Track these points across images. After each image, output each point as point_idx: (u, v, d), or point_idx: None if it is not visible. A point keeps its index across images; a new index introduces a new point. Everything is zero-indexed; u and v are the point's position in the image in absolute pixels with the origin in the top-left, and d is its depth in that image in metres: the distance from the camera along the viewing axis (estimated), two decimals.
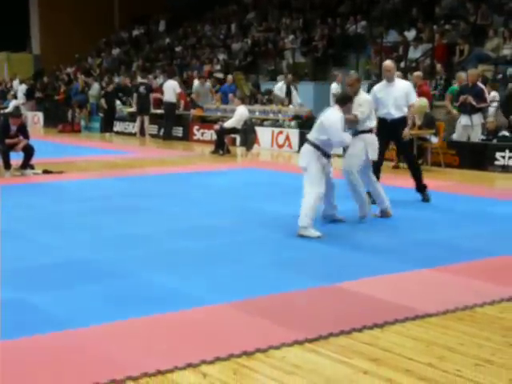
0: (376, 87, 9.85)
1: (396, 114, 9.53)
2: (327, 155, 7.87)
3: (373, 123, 8.60)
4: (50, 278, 5.99)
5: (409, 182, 10.21)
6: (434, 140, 13.91)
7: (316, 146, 7.79)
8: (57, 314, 5.02)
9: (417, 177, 10.00)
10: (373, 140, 8.51)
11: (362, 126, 8.43)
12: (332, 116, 7.85)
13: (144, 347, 4.42)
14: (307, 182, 7.78)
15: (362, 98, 8.45)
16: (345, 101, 8.01)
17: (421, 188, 10.00)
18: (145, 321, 4.88)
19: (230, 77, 21.45)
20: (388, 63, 9.91)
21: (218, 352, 4.29)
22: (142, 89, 22.08)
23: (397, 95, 9.51)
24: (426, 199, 9.92)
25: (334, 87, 17.81)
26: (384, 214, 8.68)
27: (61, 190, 11.06)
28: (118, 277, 6.06)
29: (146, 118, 21.98)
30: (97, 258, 6.71)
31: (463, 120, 14.32)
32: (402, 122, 9.59)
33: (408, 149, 10.33)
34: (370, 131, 8.52)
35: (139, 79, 24.60)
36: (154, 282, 5.87)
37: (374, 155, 8.53)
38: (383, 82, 9.82)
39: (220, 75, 23.45)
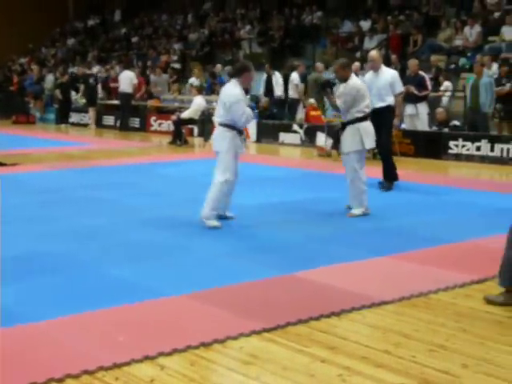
0: (366, 76, 9.90)
1: (378, 103, 9.47)
2: (240, 132, 7.59)
3: (361, 112, 8.14)
4: (2, 271, 5.90)
5: (366, 171, 10.28)
6: None
7: (228, 126, 7.50)
8: (8, 308, 4.93)
9: (389, 169, 9.96)
10: (366, 127, 8.15)
11: (350, 115, 8.13)
12: (231, 91, 7.45)
13: (100, 340, 4.39)
14: (217, 168, 7.55)
15: (349, 85, 8.07)
16: (238, 72, 7.54)
17: (390, 177, 9.98)
18: (101, 313, 4.85)
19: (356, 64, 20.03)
20: (372, 53, 9.93)
21: (176, 343, 4.28)
22: (91, 80, 22.00)
23: (380, 85, 9.49)
24: (386, 187, 9.91)
25: (294, 77, 17.87)
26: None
27: (15, 182, 10.90)
28: (74, 269, 6.00)
29: (92, 110, 22.09)
30: (52, 250, 6.63)
31: (408, 109, 14.53)
32: (384, 111, 9.53)
33: (388, 140, 10.13)
34: (363, 118, 8.14)
35: (92, 70, 24.40)
36: (110, 275, 5.83)
37: (370, 143, 8.25)
38: (370, 72, 9.86)
39: (177, 65, 23.34)
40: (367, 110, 8.20)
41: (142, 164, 13.25)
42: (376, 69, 9.68)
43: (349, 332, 4.55)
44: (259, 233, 7.44)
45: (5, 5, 31.33)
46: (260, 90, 18.69)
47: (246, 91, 7.80)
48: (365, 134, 8.10)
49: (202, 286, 5.46)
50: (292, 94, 18.12)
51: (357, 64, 16.47)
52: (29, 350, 4.22)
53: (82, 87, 22.72)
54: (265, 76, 18.57)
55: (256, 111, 15.59)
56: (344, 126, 8.22)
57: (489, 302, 5.09)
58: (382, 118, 9.41)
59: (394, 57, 17.50)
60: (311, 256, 6.44)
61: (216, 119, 7.76)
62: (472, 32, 17.13)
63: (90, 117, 22.32)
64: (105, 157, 14.44)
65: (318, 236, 7.25)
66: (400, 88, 9.93)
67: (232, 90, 7.50)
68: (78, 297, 5.24)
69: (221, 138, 7.59)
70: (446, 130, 14.39)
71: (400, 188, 10.26)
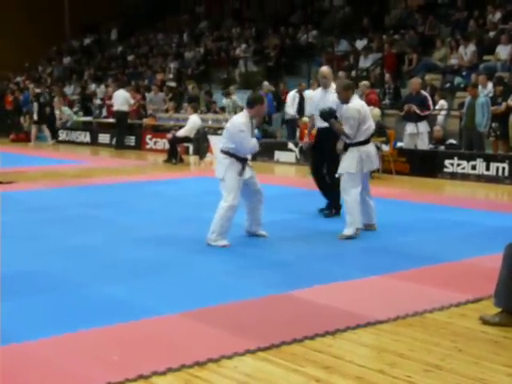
0: (311, 92, 9.47)
1: (323, 123, 8.74)
2: (242, 159, 7.62)
3: (362, 135, 8.02)
4: None
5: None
6: (385, 148, 14.08)
7: (227, 153, 7.59)
8: (3, 327, 4.89)
9: (334, 197, 9.14)
10: (366, 152, 8.03)
11: (355, 139, 8.03)
12: (236, 121, 7.63)
13: (94, 359, 4.36)
14: (223, 194, 7.60)
15: (350, 108, 7.95)
16: (252, 103, 7.63)
17: (335, 206, 9.33)
18: (94, 333, 4.82)
19: (265, 83, 19.51)
20: (324, 69, 9.51)
21: (170, 363, 4.26)
22: (41, 99, 22.44)
23: (328, 104, 8.71)
24: (328, 214, 9.31)
25: (292, 95, 17.74)
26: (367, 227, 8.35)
27: (10, 200, 10.86)
28: (68, 288, 5.97)
29: (34, 127, 23.20)
30: (45, 269, 6.60)
31: (409, 128, 14.57)
32: (330, 132, 8.59)
33: (332, 165, 8.73)
34: (364, 142, 8.04)
35: (39, 89, 24.93)
36: (104, 294, 5.80)
37: (370, 166, 8.15)
38: (320, 89, 9.45)
39: (173, 84, 23.41)
40: (368, 132, 8.11)
41: (137, 182, 13.24)
42: (326, 86, 9.14)
43: (344, 351, 4.53)
44: (254, 251, 7.42)
45: (2, 24, 31.45)
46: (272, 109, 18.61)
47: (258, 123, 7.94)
48: (365, 158, 8.03)
49: (196, 304, 5.44)
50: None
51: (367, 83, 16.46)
52: (22, 370, 4.19)
53: (35, 105, 23.08)
54: (297, 95, 17.46)
55: (260, 139, 14.65)
56: (346, 147, 8.16)
57: (484, 322, 5.07)
58: (326, 140, 8.86)
59: (387, 76, 17.59)
60: (306, 275, 6.42)
61: (220, 145, 7.83)
62: (467, 51, 17.22)
63: (32, 134, 23.28)
64: (100, 175, 14.42)
65: (313, 255, 7.23)
66: None
67: (238, 119, 7.67)
68: (71, 316, 5.21)
69: (220, 164, 7.70)
70: (442, 148, 14.43)
71: (395, 207, 10.26)
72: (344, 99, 8.11)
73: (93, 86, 25.77)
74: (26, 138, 24.23)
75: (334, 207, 9.33)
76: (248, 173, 7.73)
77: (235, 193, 7.55)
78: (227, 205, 7.52)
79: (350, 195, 7.99)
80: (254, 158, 17.30)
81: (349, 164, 8.02)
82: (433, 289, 5.97)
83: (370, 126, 8.17)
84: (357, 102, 8.13)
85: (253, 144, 7.67)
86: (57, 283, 6.13)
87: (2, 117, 26.77)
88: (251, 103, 7.68)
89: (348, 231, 7.98)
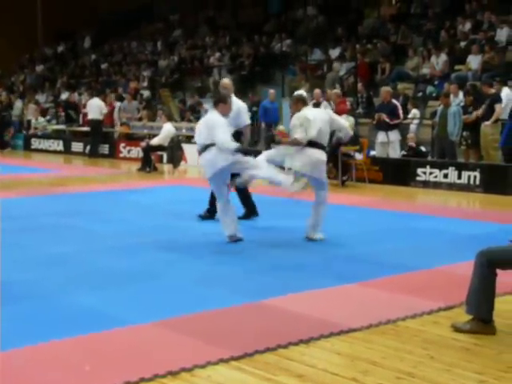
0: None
1: None
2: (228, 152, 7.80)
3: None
4: None
5: (334, 198, 10.32)
6: (359, 156, 14.16)
7: (210, 146, 7.83)
8: None
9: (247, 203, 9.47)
10: (309, 154, 8.00)
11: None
12: (215, 116, 7.93)
13: (66, 369, 4.33)
14: (215, 192, 8.16)
15: (297, 116, 8.11)
16: (215, 103, 8.10)
17: (254, 209, 9.55)
18: (67, 342, 4.78)
19: (271, 91, 18.62)
20: (226, 81, 9.61)
21: (142, 373, 4.24)
22: None
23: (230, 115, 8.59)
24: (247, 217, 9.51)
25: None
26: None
27: None
28: (39, 298, 5.92)
29: None
30: (17, 278, 6.53)
31: (380, 137, 14.70)
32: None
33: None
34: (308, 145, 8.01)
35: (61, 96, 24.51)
36: (77, 303, 5.76)
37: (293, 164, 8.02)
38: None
39: (146, 92, 23.36)
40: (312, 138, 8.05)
41: (111, 191, 13.17)
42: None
43: (317, 360, 4.54)
44: (226, 260, 7.42)
45: None
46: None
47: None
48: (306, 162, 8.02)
49: (169, 313, 5.42)
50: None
51: (317, 91, 16.57)
52: None
53: None
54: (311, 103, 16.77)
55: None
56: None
57: (456, 329, 5.12)
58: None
59: (360, 85, 17.70)
60: (279, 283, 6.42)
61: (199, 144, 7.98)
62: (439, 61, 17.41)
63: None
64: (73, 183, 14.34)
65: (285, 263, 7.25)
66: (247, 120, 9.54)
67: (216, 115, 7.97)
68: (44, 325, 5.18)
69: (205, 162, 7.93)
70: (416, 153, 14.55)
71: (368, 215, 10.31)
72: (294, 111, 8.34)
73: (66, 94, 25.61)
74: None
75: (250, 212, 9.51)
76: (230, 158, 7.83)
77: (219, 191, 8.00)
78: (219, 205, 8.06)
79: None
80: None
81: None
82: (405, 297, 6.01)
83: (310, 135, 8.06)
84: (304, 113, 8.14)
85: (228, 142, 7.75)
86: (30, 292, 6.07)
87: None
88: (215, 103, 8.10)
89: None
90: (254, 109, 18.11)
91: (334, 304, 5.82)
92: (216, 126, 7.80)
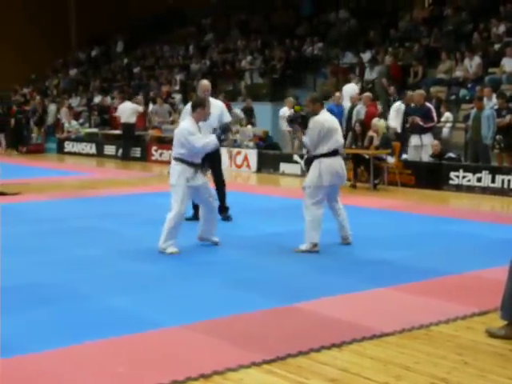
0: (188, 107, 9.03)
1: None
2: (194, 165, 7.80)
3: (325, 148, 7.93)
4: (1, 302, 5.87)
5: (366, 201, 10.30)
6: (391, 160, 14.08)
7: (179, 160, 7.80)
8: (7, 339, 4.89)
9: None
10: (328, 164, 7.89)
11: (315, 151, 7.99)
12: (182, 126, 7.89)
13: (99, 371, 4.36)
14: (172, 200, 7.84)
15: (314, 120, 7.94)
16: (194, 107, 7.95)
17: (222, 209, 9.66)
18: (100, 344, 4.82)
19: (337, 94, 17.84)
20: (205, 82, 9.67)
21: (175, 375, 4.25)
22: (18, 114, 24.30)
23: (210, 117, 8.58)
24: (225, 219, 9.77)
25: (283, 111, 17.72)
26: (344, 241, 8.35)
27: (15, 211, 10.89)
28: (73, 300, 5.97)
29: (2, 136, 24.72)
30: (51, 280, 6.61)
31: (413, 140, 14.61)
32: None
33: (222, 175, 9.95)
34: (328, 155, 7.92)
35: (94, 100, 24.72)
36: (109, 305, 5.80)
37: (333, 180, 7.95)
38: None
39: (178, 96, 23.46)
40: (333, 147, 7.95)
41: (142, 194, 13.25)
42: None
43: (349, 364, 4.52)
44: (258, 263, 7.41)
45: (8, 35, 31.61)
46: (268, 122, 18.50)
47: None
48: (328, 171, 7.90)
49: (201, 316, 5.43)
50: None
51: (337, 94, 16.50)
52: (26, 382, 4.19)
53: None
54: (403, 106, 16.11)
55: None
56: (311, 160, 8.16)
57: (491, 335, 5.06)
58: (212, 153, 8.67)
59: (391, 88, 17.58)
60: (311, 287, 6.41)
61: (172, 153, 8.04)
62: (472, 64, 17.23)
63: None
64: (105, 186, 14.44)
65: (317, 266, 7.23)
66: (228, 118, 9.65)
67: (184, 124, 7.92)
68: (77, 327, 5.22)
69: (172, 171, 7.89)
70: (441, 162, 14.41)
71: (399, 218, 10.24)
72: (312, 111, 8.12)
73: (99, 98, 25.84)
74: (36, 150, 24.31)
75: (221, 210, 9.47)
76: (200, 179, 7.90)
77: (182, 200, 7.76)
78: (174, 213, 7.75)
79: (308, 211, 7.92)
80: (260, 169, 17.40)
81: (310, 178, 8.00)
82: (438, 301, 5.96)
83: (337, 140, 8.03)
84: (324, 116, 8.06)
85: (207, 142, 7.80)
86: (62, 295, 6.13)
87: (11, 129, 26.84)
88: (193, 107, 7.97)
89: (304, 246, 7.92)
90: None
91: (367, 308, 5.79)
92: (187, 139, 7.69)
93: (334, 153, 7.99)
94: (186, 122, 7.96)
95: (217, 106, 9.52)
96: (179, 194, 7.75)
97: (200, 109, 7.88)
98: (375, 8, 22.86)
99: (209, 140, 7.87)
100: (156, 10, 31.32)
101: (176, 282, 6.62)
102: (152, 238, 8.63)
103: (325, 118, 8.04)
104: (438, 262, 7.40)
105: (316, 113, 8.03)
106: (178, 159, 7.82)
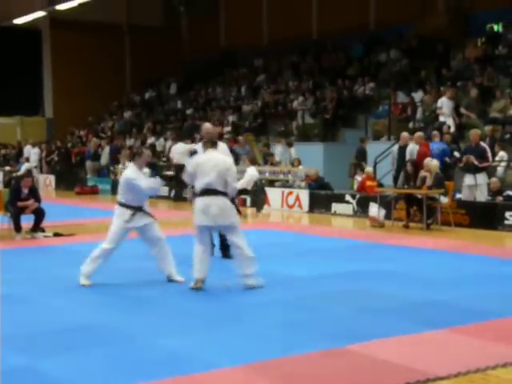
0: (197, 146, 9.76)
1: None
2: (135, 208, 8.40)
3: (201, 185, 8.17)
4: (55, 343, 5.94)
5: (419, 242, 10.18)
6: (444, 200, 13.91)
7: (119, 203, 8.44)
8: (63, 380, 4.94)
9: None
10: (206, 203, 8.05)
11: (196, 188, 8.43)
12: (126, 173, 8.52)
13: None
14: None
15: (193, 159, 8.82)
16: (132, 157, 8.86)
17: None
18: None
19: (404, 134, 17.15)
20: (208, 125, 9.92)
21: None
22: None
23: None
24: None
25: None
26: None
27: (71, 252, 11.06)
28: (124, 340, 6.01)
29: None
30: (103, 321, 6.67)
31: (467, 180, 14.44)
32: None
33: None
34: (202, 193, 8.13)
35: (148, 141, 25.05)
36: (161, 346, 5.81)
37: (199, 220, 8.17)
38: (200, 144, 9.72)
39: (229, 136, 23.68)
40: (203, 185, 8.10)
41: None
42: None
43: None
44: (310, 304, 7.36)
45: (66, 79, 32.58)
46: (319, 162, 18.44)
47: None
48: (203, 211, 8.10)
49: (253, 357, 5.40)
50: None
51: (405, 134, 16.41)
52: None
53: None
54: (396, 147, 16.64)
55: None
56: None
57: None
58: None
59: (445, 127, 17.41)
60: (363, 329, 6.33)
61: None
62: None
63: None
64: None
65: (369, 308, 7.14)
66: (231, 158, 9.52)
67: (127, 172, 8.56)
68: (129, 368, 5.24)
69: (114, 213, 8.52)
70: (500, 199, 14.18)
71: (454, 259, 10.08)
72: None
73: (152, 139, 26.26)
74: (91, 191, 24.77)
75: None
76: (143, 220, 8.49)
77: (113, 238, 8.38)
78: (101, 248, 8.40)
79: (196, 247, 8.30)
80: (312, 209, 17.37)
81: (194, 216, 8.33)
82: (495, 344, 5.82)
83: (210, 179, 8.05)
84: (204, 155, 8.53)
85: (149, 184, 8.45)
86: (114, 336, 6.17)
87: (67, 170, 27.49)
88: (132, 157, 9.01)
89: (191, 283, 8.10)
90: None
91: (420, 350, 5.68)
92: (133, 184, 8.30)
93: (210, 192, 8.08)
94: (128, 170, 8.57)
95: (223, 148, 9.70)
96: (111, 232, 8.40)
97: (137, 157, 8.58)
98: (427, 47, 22.82)
99: (149, 183, 8.48)
100: (209, 52, 31.89)
101: (228, 322, 6.61)
102: (207, 278, 8.67)
103: (204, 158, 8.38)
104: (494, 304, 7.24)
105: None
106: (120, 204, 8.43)
